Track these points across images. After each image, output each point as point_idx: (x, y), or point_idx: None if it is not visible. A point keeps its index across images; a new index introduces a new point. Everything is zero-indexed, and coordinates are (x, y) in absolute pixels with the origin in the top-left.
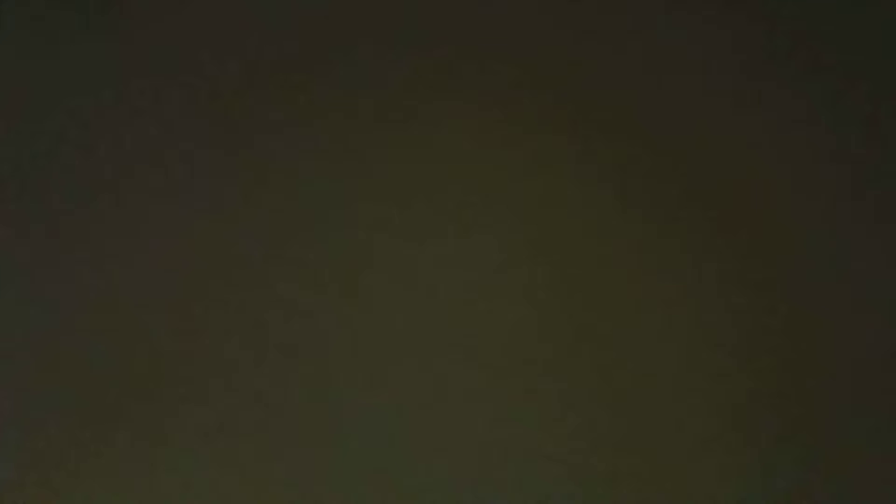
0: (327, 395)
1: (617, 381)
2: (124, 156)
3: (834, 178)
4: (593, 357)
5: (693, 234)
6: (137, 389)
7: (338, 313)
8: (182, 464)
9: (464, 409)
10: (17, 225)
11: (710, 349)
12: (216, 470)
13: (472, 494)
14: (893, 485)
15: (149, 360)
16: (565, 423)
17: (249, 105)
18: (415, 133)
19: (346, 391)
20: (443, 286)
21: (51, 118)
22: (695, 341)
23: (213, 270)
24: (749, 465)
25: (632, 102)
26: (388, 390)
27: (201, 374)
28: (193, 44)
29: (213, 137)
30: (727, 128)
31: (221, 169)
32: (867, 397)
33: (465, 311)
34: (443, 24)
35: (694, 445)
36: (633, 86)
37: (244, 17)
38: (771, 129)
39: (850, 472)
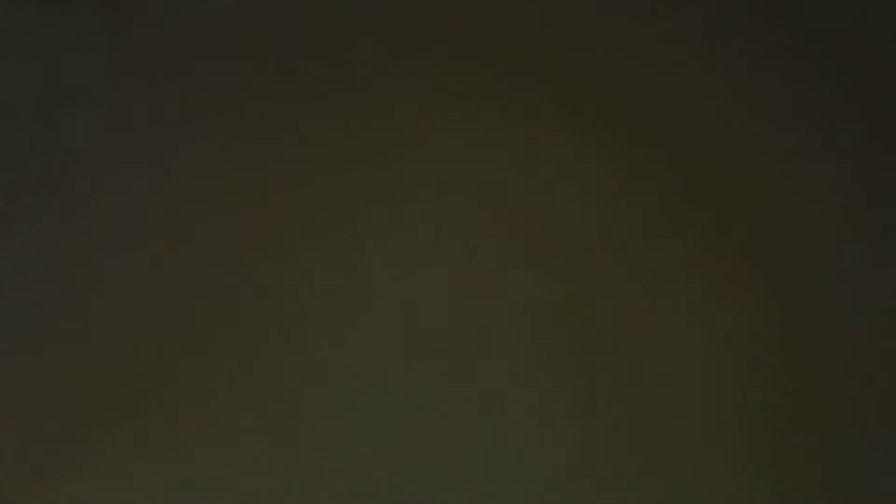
0: (327, 395)
1: (617, 380)
2: (123, 156)
3: (836, 179)
4: (593, 355)
5: (694, 235)
6: (136, 390)
7: (338, 313)
8: (182, 463)
9: (464, 408)
10: (16, 225)
11: (711, 349)
12: (216, 470)
13: (472, 495)
14: (893, 485)
15: (148, 360)
16: (565, 423)
17: (249, 105)
18: (414, 133)
19: (346, 391)
20: (443, 286)
21: (49, 118)
22: (695, 342)
23: (212, 270)
24: (749, 466)
25: (632, 102)
26: (387, 391)
27: (201, 374)
28: (193, 44)
29: (213, 137)
30: (728, 128)
31: (221, 169)
32: (867, 397)
33: (465, 311)
34: (442, 24)
35: (694, 446)
36: (634, 85)
37: (244, 18)
38: (772, 128)
39: (850, 472)
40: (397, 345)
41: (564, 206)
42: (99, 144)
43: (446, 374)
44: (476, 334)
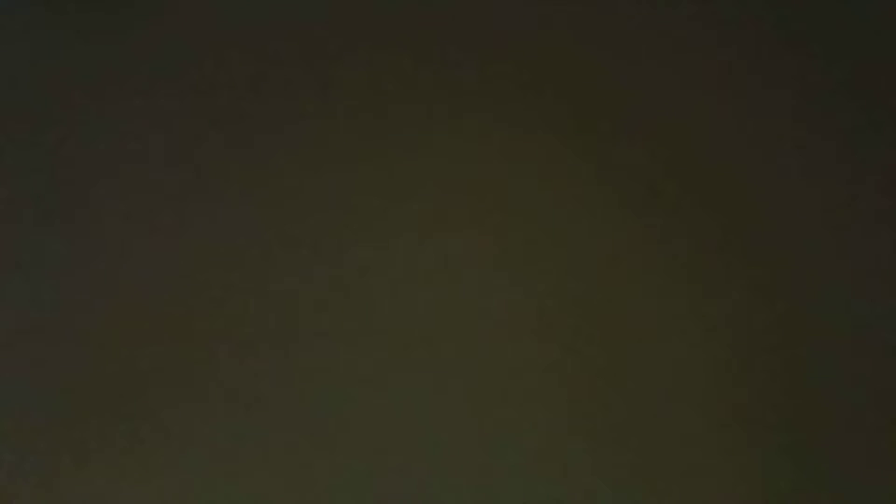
0: (326, 395)
1: (616, 381)
2: (123, 156)
3: (836, 178)
4: (592, 355)
5: (693, 235)
6: (136, 390)
7: (337, 314)
8: (181, 464)
9: (463, 408)
10: (16, 225)
11: (711, 350)
12: (215, 471)
13: (471, 495)
14: (894, 485)
15: (147, 360)
16: (565, 423)
17: (249, 105)
18: (414, 133)
19: (345, 391)
20: (442, 286)
21: (49, 118)
22: (695, 342)
23: (211, 270)
24: (749, 467)
25: (632, 102)
26: (387, 391)
27: (200, 374)
28: (192, 44)
29: (213, 137)
30: (729, 128)
31: (221, 169)
32: (867, 397)
33: (464, 311)
34: (442, 24)
35: (693, 446)
36: (634, 85)
37: (244, 18)
38: (772, 128)
39: (850, 472)
40: (397, 345)
41: (565, 206)
42: (99, 144)
43: (447, 374)
44: (476, 333)
